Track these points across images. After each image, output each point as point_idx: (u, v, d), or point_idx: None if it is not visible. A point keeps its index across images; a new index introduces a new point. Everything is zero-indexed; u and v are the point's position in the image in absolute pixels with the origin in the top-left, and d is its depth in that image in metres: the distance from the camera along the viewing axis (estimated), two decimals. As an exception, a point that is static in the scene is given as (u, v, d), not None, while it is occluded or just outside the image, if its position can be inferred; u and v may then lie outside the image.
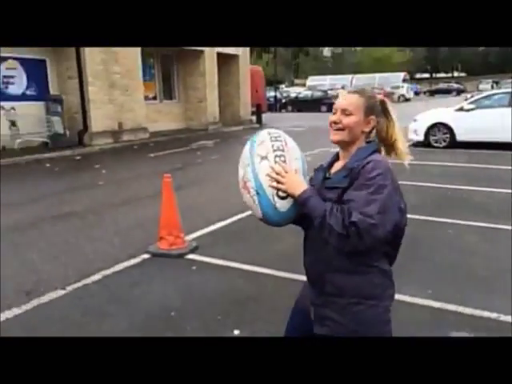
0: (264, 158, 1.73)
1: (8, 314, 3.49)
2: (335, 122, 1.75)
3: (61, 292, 3.88)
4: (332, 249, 1.67)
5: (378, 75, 43.83)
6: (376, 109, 1.78)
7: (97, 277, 4.17)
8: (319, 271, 1.76)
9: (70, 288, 3.95)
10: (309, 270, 1.83)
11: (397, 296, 1.84)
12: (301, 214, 1.74)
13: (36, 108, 12.83)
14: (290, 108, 30.40)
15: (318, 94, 30.37)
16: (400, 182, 1.73)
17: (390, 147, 1.81)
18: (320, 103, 28.38)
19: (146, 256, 4.59)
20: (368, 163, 1.65)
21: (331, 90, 30.67)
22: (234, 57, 19.91)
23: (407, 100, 37.86)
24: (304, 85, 44.78)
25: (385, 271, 1.73)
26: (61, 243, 5.13)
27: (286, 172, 1.70)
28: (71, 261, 4.57)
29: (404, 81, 43.04)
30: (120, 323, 3.36)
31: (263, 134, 1.80)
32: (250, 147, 1.78)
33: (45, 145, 12.67)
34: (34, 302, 3.69)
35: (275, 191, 1.71)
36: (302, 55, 51.91)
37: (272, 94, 31.25)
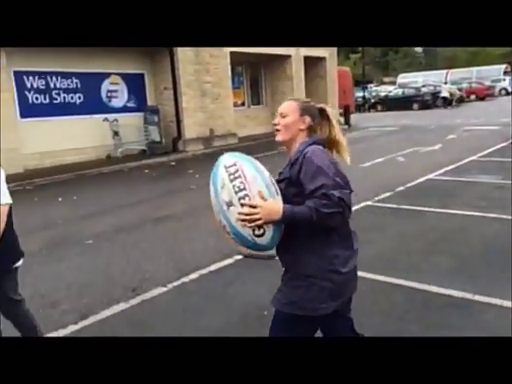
0: (230, 203, 1.89)
1: (116, 309, 3.81)
2: (275, 124, 2.11)
3: (162, 289, 4.15)
4: (286, 231, 1.95)
5: (475, 69, 41.09)
6: (312, 111, 2.12)
7: (194, 275, 4.40)
8: (281, 252, 2.08)
9: (170, 286, 4.21)
10: (277, 253, 2.12)
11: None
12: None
13: (135, 119, 13.79)
14: (379, 107, 29.53)
15: (410, 91, 29.16)
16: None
17: (332, 145, 2.13)
18: (412, 101, 27.27)
19: (238, 257, 4.75)
20: (306, 154, 1.94)
21: (424, 86, 29.28)
22: (321, 59, 19.82)
23: (509, 94, 35.08)
24: (394, 83, 43.20)
25: (325, 255, 1.97)
26: (161, 244, 5.48)
27: (256, 207, 1.86)
28: (171, 260, 4.87)
29: (505, 73, 39.93)
30: (216, 320, 3.52)
31: (221, 173, 1.93)
32: (215, 192, 1.94)
33: (143, 152, 13.57)
34: (139, 298, 3.99)
35: (251, 231, 1.89)
36: (392, 53, 50.18)
37: (360, 94, 30.59)
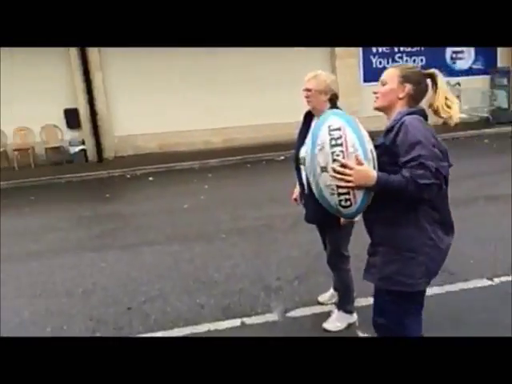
0: (324, 169, 1.85)
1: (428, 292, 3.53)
2: (375, 93, 2.07)
3: (487, 282, 3.62)
4: (380, 203, 1.89)
5: None
6: (414, 78, 2.02)
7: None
8: (370, 224, 2.05)
9: (497, 280, 3.63)
10: (365, 225, 2.09)
11: None
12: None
13: (480, 82, 12.46)
14: None
15: None
16: None
17: (439, 112, 2.02)
18: None
19: None
20: (403, 123, 1.88)
21: None
22: None
23: None
24: None
25: (424, 228, 1.91)
26: (493, 226, 4.78)
27: (351, 169, 1.80)
28: (501, 253, 4.18)
29: None
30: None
31: (324, 134, 1.86)
32: (311, 150, 1.90)
33: (486, 120, 12.21)
34: (458, 286, 3.59)
35: (337, 201, 1.86)
36: None
37: None
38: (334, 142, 1.83)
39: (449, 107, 2.00)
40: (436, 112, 2.03)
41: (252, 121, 10.34)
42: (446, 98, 2.01)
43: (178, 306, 3.68)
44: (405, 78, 2.00)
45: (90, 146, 10.30)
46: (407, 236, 1.92)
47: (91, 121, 10.21)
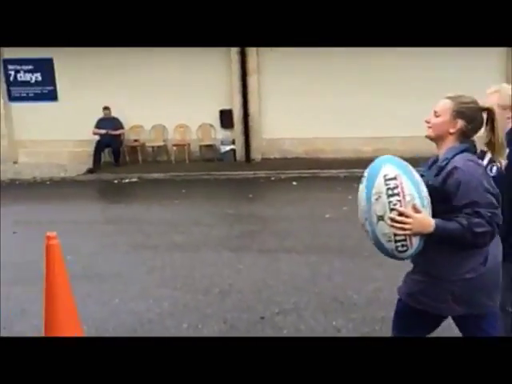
0: (381, 218, 1.86)
1: None
2: (427, 122, 2.06)
3: None
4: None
5: None
6: (469, 114, 1.97)
7: None
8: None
9: None
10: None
11: None
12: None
13: None
14: None
15: None
16: None
17: (490, 148, 2.02)
18: None
19: None
20: (456, 165, 1.89)
21: None
22: None
23: None
24: None
25: (457, 263, 1.93)
26: None
27: (408, 217, 1.83)
28: None
29: None
30: None
31: (379, 183, 1.87)
32: (366, 199, 1.90)
33: None
34: None
35: (394, 247, 1.89)
36: None
37: None
38: (390, 192, 1.85)
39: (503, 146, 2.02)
40: (492, 150, 2.02)
41: (406, 132, 9.66)
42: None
43: (312, 325, 3.45)
44: (458, 114, 1.98)
45: (239, 146, 10.64)
46: (440, 264, 1.96)
47: (243, 122, 10.54)
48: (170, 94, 10.42)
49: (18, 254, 5.09)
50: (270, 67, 10.39)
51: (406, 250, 1.90)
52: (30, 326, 3.31)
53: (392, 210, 1.84)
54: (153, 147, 10.87)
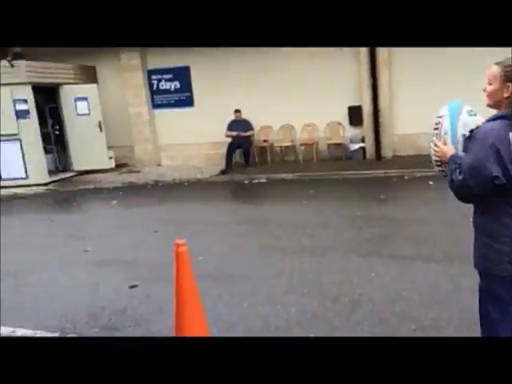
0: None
1: None
2: (484, 90, 2.15)
3: None
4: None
5: None
6: None
7: None
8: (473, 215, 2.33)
9: None
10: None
11: None
12: None
13: None
14: None
15: None
16: None
17: None
18: None
19: None
20: (476, 127, 2.12)
21: None
22: None
23: None
24: None
25: (501, 222, 2.13)
26: None
27: (437, 147, 2.29)
28: None
29: None
30: None
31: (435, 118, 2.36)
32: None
33: None
34: None
35: (438, 170, 2.37)
36: None
37: None
38: (435, 126, 2.32)
39: None
40: None
41: None
42: None
43: (454, 346, 3.08)
44: (507, 78, 2.03)
45: (369, 143, 10.23)
46: (487, 225, 2.18)
47: (373, 118, 10.10)
48: (297, 94, 10.43)
49: (158, 252, 5.47)
50: (401, 63, 9.79)
51: (445, 176, 2.27)
52: (166, 326, 3.48)
53: (432, 140, 2.34)
54: (281, 147, 10.98)
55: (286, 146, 10.92)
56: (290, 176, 9.46)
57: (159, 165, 11.90)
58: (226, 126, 10.76)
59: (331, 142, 10.49)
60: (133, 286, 4.59)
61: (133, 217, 7.57)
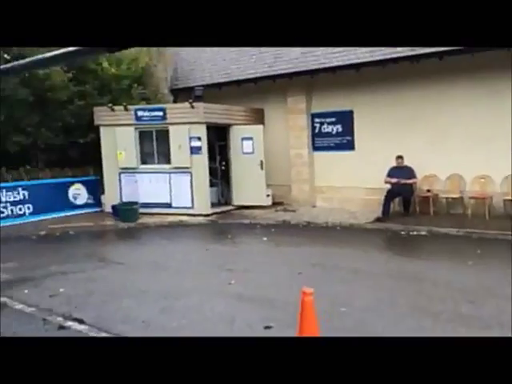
0: None
1: None
2: None
3: None
4: None
5: None
6: None
7: None
8: None
9: None
10: None
11: None
12: None
13: None
14: None
15: None
16: None
17: None
18: None
19: None
20: None
21: None
22: None
23: None
24: None
25: None
26: None
27: None
28: None
29: None
30: None
31: None
32: None
33: None
34: None
35: None
36: None
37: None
38: None
39: None
40: None
41: None
42: None
43: None
44: None
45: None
46: None
47: None
48: (468, 140, 9.50)
49: (298, 295, 5.28)
50: None
51: None
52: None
53: None
54: (447, 198, 10.02)
55: (453, 198, 9.93)
56: (454, 231, 8.51)
57: (314, 206, 11.87)
58: (386, 172, 10.28)
59: (509, 197, 9.20)
60: (267, 327, 4.46)
61: (280, 255, 7.56)
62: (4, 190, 10.22)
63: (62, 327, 4.49)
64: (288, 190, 12.11)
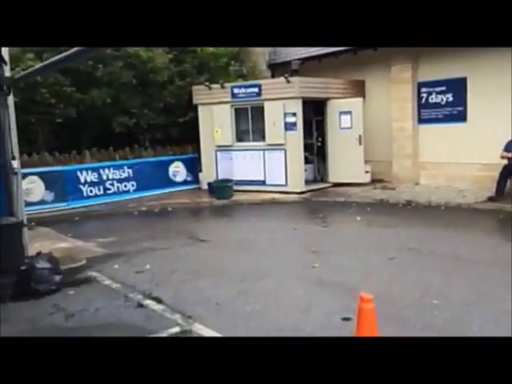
0: None
1: None
2: None
3: None
4: None
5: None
6: None
7: None
8: None
9: None
10: None
11: None
12: None
13: None
14: None
15: None
16: None
17: None
18: None
19: None
20: None
21: None
22: None
23: None
24: None
25: None
26: None
27: None
28: None
29: None
30: None
31: None
32: None
33: None
34: None
35: None
36: None
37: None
38: None
39: None
40: None
41: None
42: None
43: None
44: None
45: None
46: None
47: None
48: None
49: (386, 284, 4.85)
50: None
51: None
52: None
53: None
54: None
55: None
56: None
57: (416, 183, 10.96)
58: (502, 145, 9.07)
59: None
60: (345, 319, 4.12)
61: (372, 237, 7.06)
62: (111, 168, 10.91)
63: (140, 305, 4.59)
64: (388, 166, 11.33)
